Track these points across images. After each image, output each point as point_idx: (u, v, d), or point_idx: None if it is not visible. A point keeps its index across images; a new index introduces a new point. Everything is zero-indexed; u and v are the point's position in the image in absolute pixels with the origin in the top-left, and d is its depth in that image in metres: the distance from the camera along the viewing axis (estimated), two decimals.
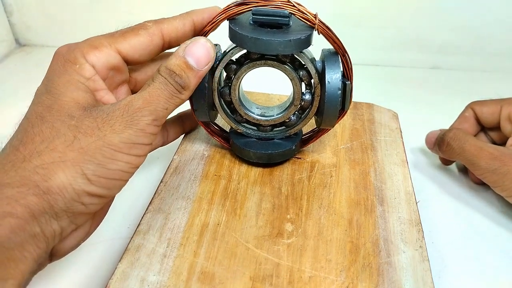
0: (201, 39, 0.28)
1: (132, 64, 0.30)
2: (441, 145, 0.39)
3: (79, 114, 0.24)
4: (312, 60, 0.33)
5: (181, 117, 0.39)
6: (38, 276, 0.31)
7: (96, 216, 0.27)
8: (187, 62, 0.27)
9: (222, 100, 0.35)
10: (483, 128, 0.42)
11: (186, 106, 0.37)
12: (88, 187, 0.23)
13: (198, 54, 0.28)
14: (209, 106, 0.34)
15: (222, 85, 0.35)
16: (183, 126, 0.39)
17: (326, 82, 0.32)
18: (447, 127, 0.42)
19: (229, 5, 0.31)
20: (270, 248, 0.29)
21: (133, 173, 0.26)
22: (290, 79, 0.33)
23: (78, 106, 0.25)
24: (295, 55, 0.33)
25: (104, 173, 0.24)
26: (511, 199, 0.35)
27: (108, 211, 0.29)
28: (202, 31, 0.32)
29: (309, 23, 0.30)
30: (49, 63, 0.27)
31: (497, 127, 0.40)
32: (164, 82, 0.26)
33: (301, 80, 0.34)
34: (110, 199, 0.28)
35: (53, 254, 0.25)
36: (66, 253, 0.26)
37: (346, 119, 0.43)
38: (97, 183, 0.24)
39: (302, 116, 0.36)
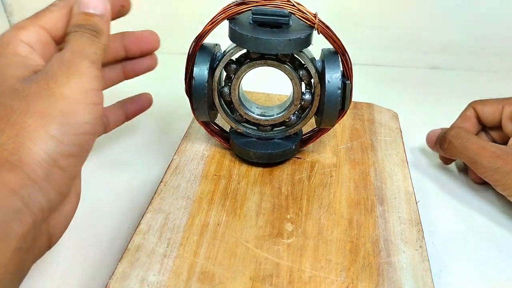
0: None
1: (59, 42, 0.30)
2: (442, 143, 0.39)
3: (22, 86, 0.24)
4: (312, 60, 0.33)
5: (122, 103, 0.39)
6: (38, 275, 0.31)
7: (76, 186, 0.27)
8: (87, 12, 0.28)
9: (222, 99, 0.35)
10: (484, 127, 0.42)
11: (128, 93, 0.37)
12: (60, 148, 0.23)
13: (91, 2, 0.28)
14: (209, 106, 0.34)
15: (222, 85, 0.35)
16: (126, 112, 0.39)
17: (326, 81, 0.32)
18: (447, 127, 0.42)
19: (228, 5, 0.31)
20: (270, 248, 0.29)
21: (101, 127, 0.27)
22: (290, 79, 0.33)
23: (19, 79, 0.25)
24: (295, 55, 0.33)
25: (70, 129, 0.24)
26: None
27: (108, 210, 0.29)
28: (202, 30, 0.32)
29: (309, 22, 0.30)
30: None
31: (498, 127, 0.40)
32: (78, 34, 0.27)
33: (301, 79, 0.34)
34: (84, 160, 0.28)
35: (50, 238, 0.25)
36: (60, 232, 0.26)
37: (346, 119, 0.43)
38: (67, 141, 0.24)
39: (302, 116, 0.36)
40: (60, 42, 0.29)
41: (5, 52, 0.26)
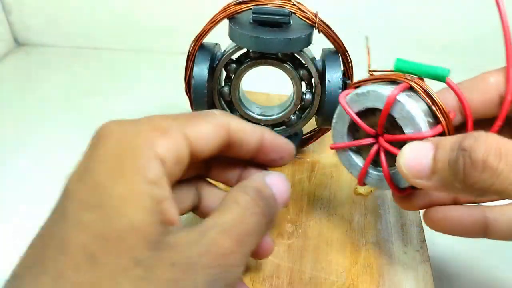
0: (283, 175, 0.23)
1: (193, 160, 0.21)
2: (468, 170, 0.19)
3: (146, 255, 0.16)
4: (313, 59, 0.33)
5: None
6: None
7: None
8: (273, 190, 0.21)
9: (222, 99, 0.35)
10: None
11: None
12: None
13: (280, 188, 0.22)
14: (209, 105, 0.34)
15: (222, 85, 0.35)
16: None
17: (327, 81, 0.32)
18: None
19: (229, 4, 0.31)
20: None
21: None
22: (291, 78, 0.33)
23: (144, 240, 0.17)
24: (295, 54, 0.32)
25: None
26: None
27: None
28: (202, 30, 0.32)
29: (309, 21, 0.30)
30: (91, 143, 0.19)
31: None
32: (254, 208, 0.19)
33: (301, 79, 0.33)
34: None
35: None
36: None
37: None
38: None
39: (303, 116, 0.36)
40: (195, 159, 0.21)
41: (129, 167, 0.18)
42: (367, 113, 0.25)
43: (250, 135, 0.22)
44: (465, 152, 0.19)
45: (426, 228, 0.32)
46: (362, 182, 0.27)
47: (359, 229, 0.31)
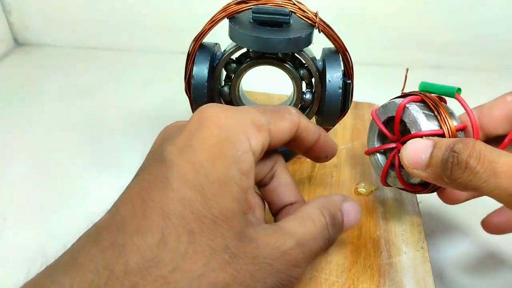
0: (358, 207, 0.24)
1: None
2: (454, 169, 0.23)
3: (234, 244, 0.19)
4: (313, 59, 0.33)
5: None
6: None
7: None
8: (344, 218, 0.23)
9: (222, 99, 0.35)
10: None
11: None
12: None
13: (351, 219, 0.23)
14: None
15: (222, 85, 0.34)
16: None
17: (327, 81, 0.31)
18: None
19: (228, 4, 0.31)
20: None
21: None
22: (291, 78, 0.33)
23: (232, 230, 0.19)
24: (295, 54, 0.32)
25: None
26: None
27: None
28: (202, 30, 0.32)
29: (309, 21, 0.30)
30: (194, 121, 0.21)
31: None
32: (325, 232, 0.21)
33: (301, 79, 0.33)
34: None
35: None
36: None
37: (347, 119, 0.43)
38: None
39: None
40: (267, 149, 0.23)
41: (229, 156, 0.20)
42: (391, 122, 0.29)
43: (312, 134, 0.25)
44: (454, 153, 0.23)
45: (426, 229, 0.32)
46: (384, 181, 0.30)
47: (359, 229, 0.31)
